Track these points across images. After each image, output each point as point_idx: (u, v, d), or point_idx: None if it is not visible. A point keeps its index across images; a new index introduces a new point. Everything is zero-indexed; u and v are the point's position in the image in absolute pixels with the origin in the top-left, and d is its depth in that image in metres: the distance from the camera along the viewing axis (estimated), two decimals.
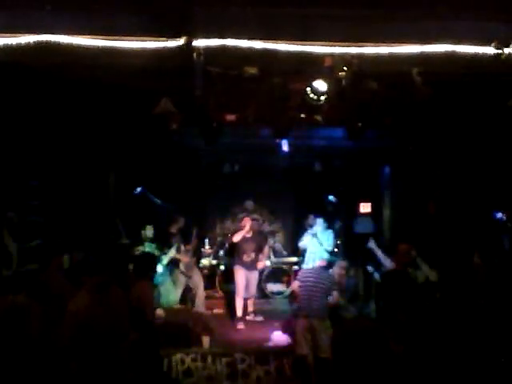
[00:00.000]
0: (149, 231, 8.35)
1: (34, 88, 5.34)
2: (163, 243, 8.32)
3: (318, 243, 8.69)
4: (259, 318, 8.27)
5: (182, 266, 8.21)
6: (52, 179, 7.17)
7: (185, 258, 8.26)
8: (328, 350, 5.98)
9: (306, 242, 8.88)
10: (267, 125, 6.22)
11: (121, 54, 4.38)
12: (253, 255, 8.36)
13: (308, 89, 5.10)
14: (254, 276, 8.42)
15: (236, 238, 8.45)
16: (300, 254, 9.35)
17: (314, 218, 9.15)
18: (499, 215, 7.48)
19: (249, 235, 8.50)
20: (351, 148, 8.34)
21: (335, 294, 6.80)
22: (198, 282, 8.21)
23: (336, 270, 7.20)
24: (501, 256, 6.85)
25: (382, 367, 1.75)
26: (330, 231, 9.11)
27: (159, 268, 7.98)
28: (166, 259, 8.07)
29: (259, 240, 8.67)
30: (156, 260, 6.78)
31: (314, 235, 8.78)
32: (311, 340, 6.12)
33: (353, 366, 1.75)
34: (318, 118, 5.61)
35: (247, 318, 8.17)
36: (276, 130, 6.24)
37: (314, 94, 5.06)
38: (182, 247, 8.32)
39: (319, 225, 8.92)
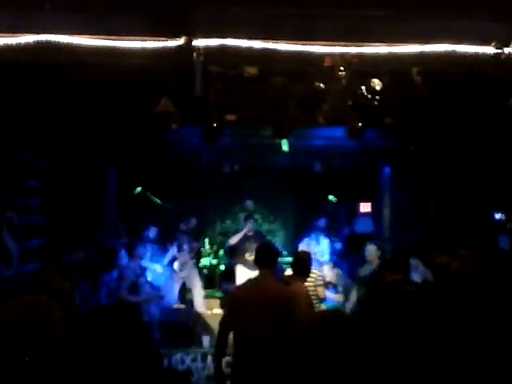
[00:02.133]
0: (151, 232, 8.36)
1: (33, 88, 5.34)
2: (165, 243, 8.34)
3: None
4: None
5: (176, 265, 8.19)
6: (52, 179, 7.18)
7: (182, 258, 8.24)
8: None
9: None
10: (267, 125, 6.23)
11: (121, 53, 4.38)
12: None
13: (363, 87, 5.04)
14: None
15: (233, 241, 8.50)
16: None
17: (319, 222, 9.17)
18: (498, 215, 7.49)
19: (250, 233, 8.52)
20: (351, 148, 8.34)
21: (320, 289, 6.89)
22: (195, 281, 8.19)
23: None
24: (498, 255, 6.85)
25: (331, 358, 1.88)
26: (327, 241, 9.13)
27: (159, 268, 7.99)
28: (166, 258, 8.07)
29: (260, 239, 8.67)
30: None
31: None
32: None
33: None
34: (318, 118, 5.61)
35: None
36: (276, 130, 6.24)
37: (369, 94, 5.01)
38: (186, 247, 8.30)
39: (313, 239, 8.95)
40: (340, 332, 2.10)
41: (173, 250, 8.09)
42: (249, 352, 4.09)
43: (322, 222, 9.21)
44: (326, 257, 8.71)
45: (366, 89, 5.00)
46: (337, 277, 7.83)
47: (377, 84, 4.95)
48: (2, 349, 1.97)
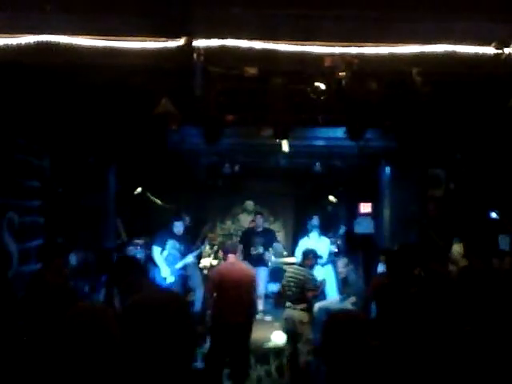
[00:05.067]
0: (176, 227, 8.23)
1: (34, 88, 5.34)
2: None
3: None
4: (268, 318, 8.17)
5: (179, 265, 8.18)
6: (52, 179, 7.17)
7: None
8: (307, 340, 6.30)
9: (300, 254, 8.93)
10: (267, 125, 6.22)
11: (121, 54, 4.38)
12: (260, 250, 8.35)
13: (308, 88, 5.09)
14: (262, 272, 8.33)
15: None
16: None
17: (312, 221, 9.16)
18: (494, 215, 7.49)
19: (259, 229, 8.56)
20: (351, 148, 8.34)
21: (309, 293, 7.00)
22: (198, 282, 8.20)
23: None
24: (497, 255, 6.84)
25: (361, 358, 1.92)
26: (326, 239, 9.10)
27: (167, 270, 7.95)
28: (181, 263, 8.03)
29: (269, 236, 8.69)
30: None
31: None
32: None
33: (337, 354, 1.93)
34: (318, 118, 5.61)
35: (257, 317, 8.12)
36: (276, 131, 6.24)
37: (314, 94, 5.05)
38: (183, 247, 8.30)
39: (313, 238, 8.92)
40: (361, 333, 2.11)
41: (189, 256, 8.08)
42: (226, 309, 5.90)
43: (315, 221, 9.19)
44: (323, 260, 8.69)
45: (311, 89, 5.04)
46: (350, 273, 7.84)
47: (320, 84, 5.00)
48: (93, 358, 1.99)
